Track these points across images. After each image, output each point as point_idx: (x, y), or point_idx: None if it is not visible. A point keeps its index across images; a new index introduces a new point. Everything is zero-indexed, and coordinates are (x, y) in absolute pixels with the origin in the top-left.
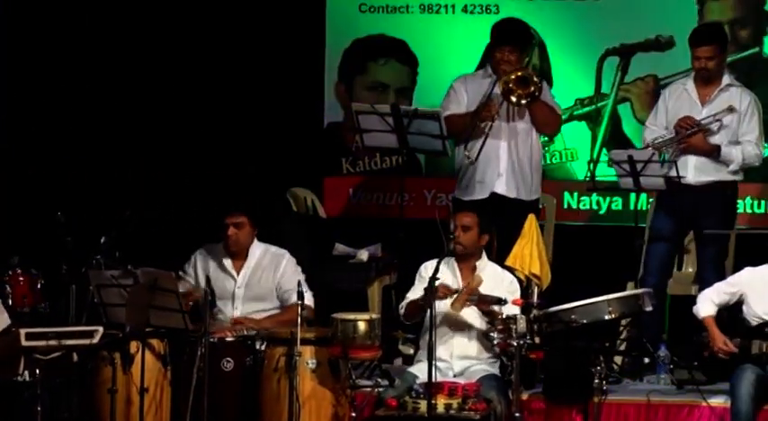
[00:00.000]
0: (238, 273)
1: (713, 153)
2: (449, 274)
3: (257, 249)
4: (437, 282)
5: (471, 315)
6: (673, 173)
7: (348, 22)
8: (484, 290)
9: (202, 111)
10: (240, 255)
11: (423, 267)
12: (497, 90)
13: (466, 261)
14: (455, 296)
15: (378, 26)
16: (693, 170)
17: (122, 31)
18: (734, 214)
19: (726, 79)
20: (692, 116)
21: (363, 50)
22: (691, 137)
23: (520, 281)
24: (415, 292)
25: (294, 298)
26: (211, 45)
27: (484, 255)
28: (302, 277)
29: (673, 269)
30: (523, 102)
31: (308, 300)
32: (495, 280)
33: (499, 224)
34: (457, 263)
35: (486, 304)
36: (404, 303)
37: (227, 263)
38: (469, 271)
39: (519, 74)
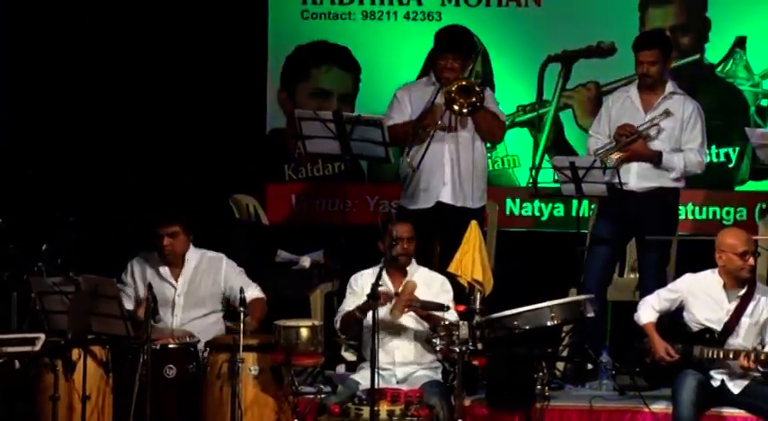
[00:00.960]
0: (177, 281)
1: (655, 159)
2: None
3: (193, 255)
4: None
5: (412, 321)
6: (614, 179)
7: (290, 29)
8: (417, 293)
9: (146, 117)
10: (177, 263)
11: (353, 279)
12: (440, 99)
13: (396, 267)
14: (393, 302)
15: (320, 33)
16: (635, 176)
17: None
18: (675, 220)
19: (669, 87)
20: (632, 124)
21: (306, 57)
22: (631, 144)
23: (462, 287)
24: (348, 304)
25: (252, 293)
26: (154, 52)
27: (413, 260)
28: (243, 274)
29: (614, 275)
30: (465, 111)
31: (258, 292)
32: (427, 283)
33: (444, 233)
34: (386, 270)
35: (427, 310)
36: (338, 317)
37: (165, 271)
38: (400, 276)
39: (461, 83)
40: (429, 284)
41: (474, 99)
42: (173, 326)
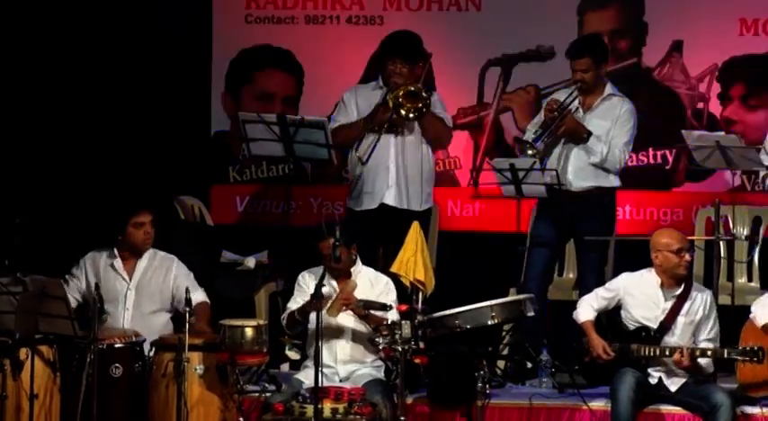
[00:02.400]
0: (130, 276)
1: (584, 135)
2: (326, 282)
3: (147, 253)
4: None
5: (354, 320)
6: (554, 180)
7: (234, 33)
8: (360, 293)
9: (92, 120)
10: (132, 257)
11: (301, 277)
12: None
13: (340, 272)
14: (330, 302)
15: (264, 36)
16: (573, 176)
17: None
18: (613, 220)
19: (608, 89)
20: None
21: (250, 60)
22: (562, 120)
23: (405, 287)
24: (296, 302)
25: (198, 297)
26: (100, 54)
27: (358, 261)
28: (192, 277)
29: (554, 275)
30: (411, 116)
31: (203, 296)
32: (370, 282)
33: (388, 234)
34: (331, 273)
35: (370, 310)
36: (285, 314)
37: (118, 264)
38: (345, 277)
39: (408, 88)
40: (373, 284)
41: (420, 104)
42: (124, 320)
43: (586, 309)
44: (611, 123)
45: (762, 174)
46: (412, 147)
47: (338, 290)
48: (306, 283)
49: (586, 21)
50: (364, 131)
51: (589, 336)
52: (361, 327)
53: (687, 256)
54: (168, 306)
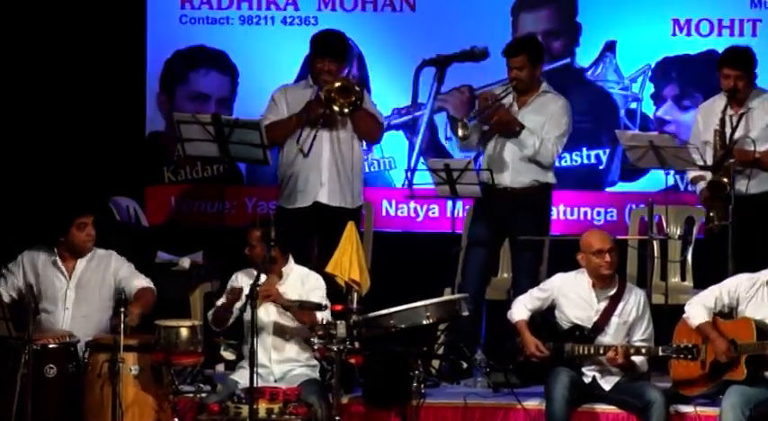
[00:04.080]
0: (70, 274)
1: (517, 127)
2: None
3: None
4: (230, 286)
5: (288, 319)
6: (488, 180)
7: (169, 34)
8: (291, 290)
9: (25, 120)
10: (73, 257)
11: (234, 276)
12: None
13: (272, 267)
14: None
15: (198, 37)
16: (510, 172)
17: None
18: (547, 219)
19: (544, 87)
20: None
21: (184, 61)
22: (495, 111)
23: (340, 287)
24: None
25: (135, 281)
26: (33, 53)
27: (291, 260)
28: (132, 267)
29: (489, 275)
30: (346, 110)
31: (146, 282)
32: (301, 280)
33: (321, 232)
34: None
35: (306, 309)
36: (211, 311)
37: (58, 262)
38: (277, 277)
39: (340, 83)
40: (304, 282)
41: (354, 98)
42: (64, 320)
43: (521, 309)
44: (545, 118)
45: (688, 175)
46: (343, 144)
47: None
48: (240, 283)
49: (520, 21)
50: (297, 127)
51: (523, 335)
52: (297, 327)
53: (608, 257)
54: (109, 304)
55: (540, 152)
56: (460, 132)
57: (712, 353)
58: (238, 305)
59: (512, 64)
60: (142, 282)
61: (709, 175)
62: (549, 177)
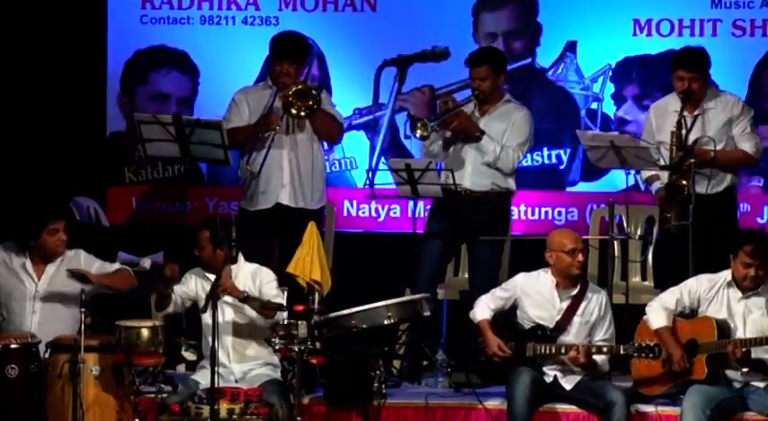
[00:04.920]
0: (39, 277)
1: (476, 133)
2: (206, 283)
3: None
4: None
5: (248, 319)
6: (449, 180)
7: (130, 34)
8: (243, 287)
9: None
10: (41, 260)
11: (188, 273)
12: (278, 103)
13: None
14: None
15: (159, 37)
16: (470, 175)
17: None
18: (507, 221)
19: (506, 97)
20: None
21: (145, 61)
22: (455, 117)
23: (301, 287)
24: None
25: (115, 267)
26: None
27: (241, 258)
28: (100, 260)
29: (449, 275)
30: (303, 114)
31: (124, 268)
32: (251, 276)
33: (283, 234)
34: (209, 271)
35: (267, 310)
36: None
37: (28, 265)
38: (227, 276)
39: (298, 87)
40: (254, 277)
41: (311, 102)
42: (31, 322)
43: (483, 309)
44: (506, 125)
45: (643, 175)
46: (304, 145)
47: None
48: (189, 279)
49: (481, 21)
50: (256, 135)
51: (485, 335)
52: (258, 328)
53: (580, 257)
54: (79, 304)
55: (501, 158)
56: (419, 132)
57: None
58: (180, 292)
59: (474, 74)
60: (116, 266)
61: (664, 175)
62: (510, 183)
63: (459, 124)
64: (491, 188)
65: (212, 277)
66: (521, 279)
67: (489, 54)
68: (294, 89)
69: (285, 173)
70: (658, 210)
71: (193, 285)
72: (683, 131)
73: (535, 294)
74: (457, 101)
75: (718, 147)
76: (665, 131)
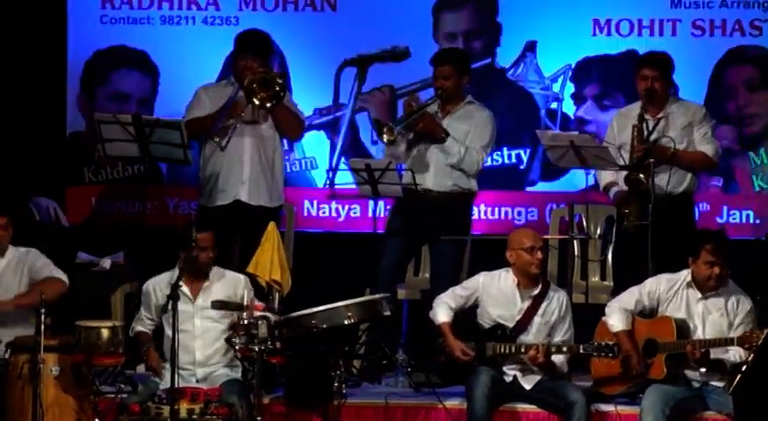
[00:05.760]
0: None
1: (441, 135)
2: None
3: (6, 252)
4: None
5: (210, 322)
6: (410, 180)
7: (90, 34)
8: (217, 293)
9: None
10: None
11: (144, 288)
12: (241, 94)
13: (195, 272)
14: None
15: (119, 37)
16: (433, 175)
17: None
18: (468, 221)
19: (468, 98)
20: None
21: (105, 61)
22: (420, 119)
23: (261, 287)
24: (140, 321)
25: (47, 273)
26: None
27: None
28: (51, 264)
29: (409, 274)
30: (268, 104)
31: (60, 275)
32: (225, 283)
33: (242, 231)
34: (185, 275)
35: (226, 310)
36: (132, 332)
37: None
38: (201, 280)
39: (261, 76)
40: (226, 284)
41: (277, 89)
42: None
43: (443, 309)
44: (469, 127)
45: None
46: (265, 142)
47: (191, 294)
48: (152, 297)
49: (441, 21)
50: (219, 122)
51: (447, 339)
52: (218, 328)
53: (539, 254)
54: None
55: (465, 160)
56: (385, 137)
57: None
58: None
59: (438, 73)
60: (54, 273)
61: (621, 180)
62: (472, 184)
63: (425, 126)
64: (452, 189)
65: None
66: (482, 278)
67: (454, 54)
68: (258, 77)
69: (245, 169)
70: (616, 206)
71: (154, 298)
72: (645, 132)
73: (496, 293)
74: (421, 101)
75: (680, 148)
76: (627, 135)
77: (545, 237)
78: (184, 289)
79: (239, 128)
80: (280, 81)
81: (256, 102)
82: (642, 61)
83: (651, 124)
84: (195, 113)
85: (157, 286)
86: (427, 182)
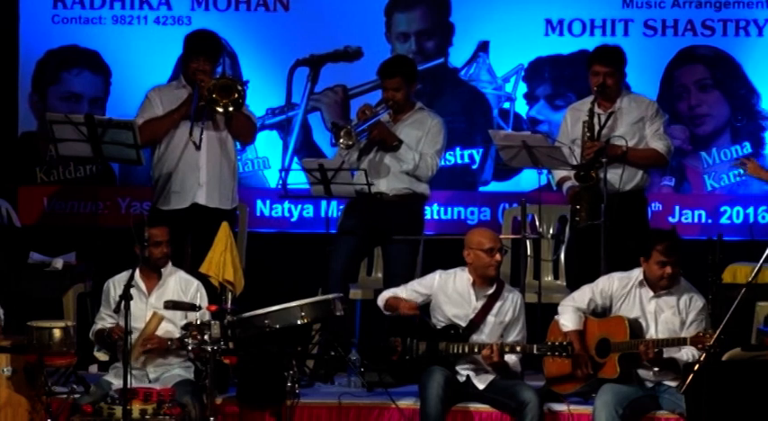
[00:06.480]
0: None
1: (395, 142)
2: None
3: None
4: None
5: (162, 322)
6: (363, 181)
7: (41, 33)
8: (170, 294)
9: None
10: None
11: (106, 286)
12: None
13: (151, 269)
14: (133, 347)
15: (71, 37)
16: (386, 179)
17: None
18: (421, 223)
19: (419, 105)
20: (372, 107)
21: (57, 61)
22: (374, 127)
23: (214, 287)
24: (102, 318)
25: None
26: None
27: (169, 263)
28: None
29: (362, 274)
30: (231, 109)
31: None
32: (180, 287)
33: (197, 234)
34: (141, 272)
35: (179, 310)
36: (93, 330)
37: None
38: (155, 278)
39: (221, 82)
40: (184, 290)
41: (236, 95)
42: None
43: (390, 293)
44: (422, 133)
45: (554, 178)
46: (220, 144)
47: (147, 290)
48: (112, 295)
49: (394, 21)
50: (177, 123)
51: (397, 305)
52: (170, 329)
53: (498, 256)
54: None
55: (420, 167)
56: (343, 141)
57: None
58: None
59: (387, 85)
60: None
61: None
62: (424, 188)
63: (379, 134)
64: (405, 192)
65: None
66: (438, 276)
67: (401, 64)
68: (217, 83)
69: (202, 172)
70: (570, 203)
71: (114, 295)
72: (597, 127)
73: (452, 292)
74: (375, 110)
75: (630, 144)
76: (580, 129)
77: (498, 237)
78: (141, 284)
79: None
80: (240, 87)
81: (219, 110)
82: (594, 57)
83: (603, 118)
84: (149, 115)
85: (117, 284)
86: (380, 186)
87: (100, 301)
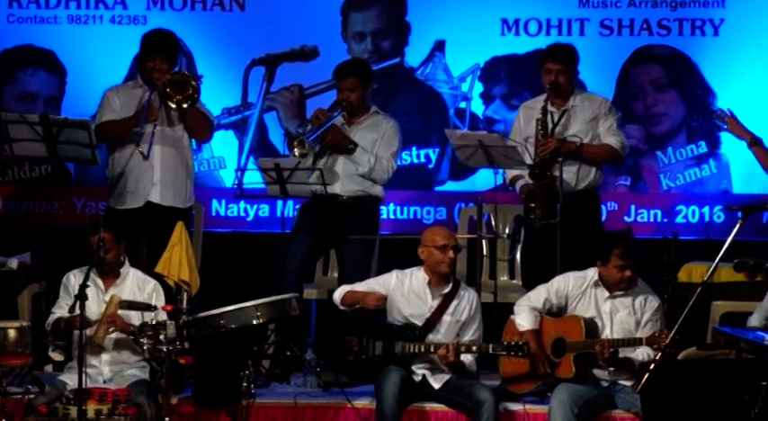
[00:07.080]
0: None
1: (350, 146)
2: (91, 284)
3: None
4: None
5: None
6: (318, 181)
7: None
8: (127, 293)
9: None
10: None
11: (66, 278)
12: (155, 97)
13: (108, 270)
14: (96, 327)
15: (26, 37)
16: (341, 180)
17: None
18: (376, 224)
19: (374, 108)
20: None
21: (12, 61)
22: (328, 131)
23: (170, 287)
24: (60, 307)
25: None
26: None
27: (126, 262)
28: None
29: (318, 274)
30: (185, 105)
31: None
32: (138, 286)
33: (152, 233)
34: (98, 271)
35: (136, 310)
36: (51, 319)
37: None
38: (112, 277)
39: (175, 78)
40: (141, 288)
41: (191, 91)
42: None
43: (348, 287)
44: (377, 136)
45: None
46: (176, 143)
47: (105, 288)
48: (72, 285)
49: (350, 21)
50: (134, 127)
51: (359, 299)
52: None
53: (451, 254)
54: None
55: (376, 169)
56: (297, 151)
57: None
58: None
59: (342, 86)
60: None
61: (526, 174)
62: (378, 190)
63: (333, 138)
64: (360, 193)
65: (99, 281)
66: (395, 276)
67: (356, 65)
68: (171, 79)
69: (156, 171)
70: (523, 201)
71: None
72: (550, 125)
73: (408, 291)
74: (328, 114)
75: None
76: (533, 128)
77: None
78: (98, 282)
79: (148, 128)
80: (194, 83)
81: (173, 105)
82: (546, 55)
83: (556, 117)
84: (108, 116)
85: (77, 276)
86: (335, 188)
87: (55, 301)
